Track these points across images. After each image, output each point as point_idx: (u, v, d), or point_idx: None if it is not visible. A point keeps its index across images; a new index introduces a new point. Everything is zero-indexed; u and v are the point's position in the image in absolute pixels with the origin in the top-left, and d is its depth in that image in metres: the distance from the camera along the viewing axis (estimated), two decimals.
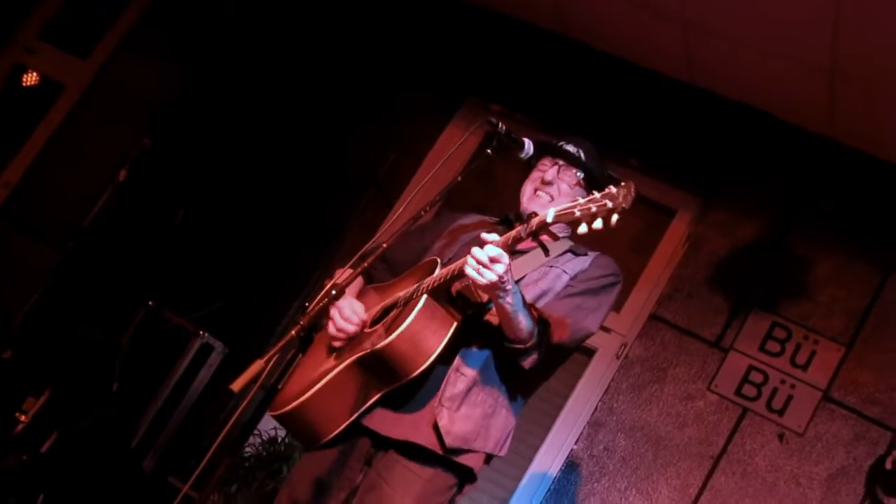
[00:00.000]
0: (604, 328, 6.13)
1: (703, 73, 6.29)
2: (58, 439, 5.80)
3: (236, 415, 3.54)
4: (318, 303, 3.21)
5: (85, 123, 7.44)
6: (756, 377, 5.76)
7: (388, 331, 3.50)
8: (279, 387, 3.39)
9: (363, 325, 3.76)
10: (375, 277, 4.10)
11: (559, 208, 3.20)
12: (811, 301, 5.86)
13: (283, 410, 3.71)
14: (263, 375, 3.06)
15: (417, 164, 6.96)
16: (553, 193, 3.92)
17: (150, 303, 6.22)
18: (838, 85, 5.61)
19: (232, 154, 7.04)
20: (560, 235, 3.90)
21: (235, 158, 7.03)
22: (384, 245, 3.47)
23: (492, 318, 3.65)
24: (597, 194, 3.14)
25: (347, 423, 3.66)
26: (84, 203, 6.75)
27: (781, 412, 5.66)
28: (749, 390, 5.74)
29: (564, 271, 3.85)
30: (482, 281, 3.30)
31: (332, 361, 3.75)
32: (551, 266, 3.86)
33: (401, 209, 3.73)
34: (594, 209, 3.11)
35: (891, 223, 5.95)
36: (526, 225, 3.28)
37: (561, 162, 3.99)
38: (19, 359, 6.26)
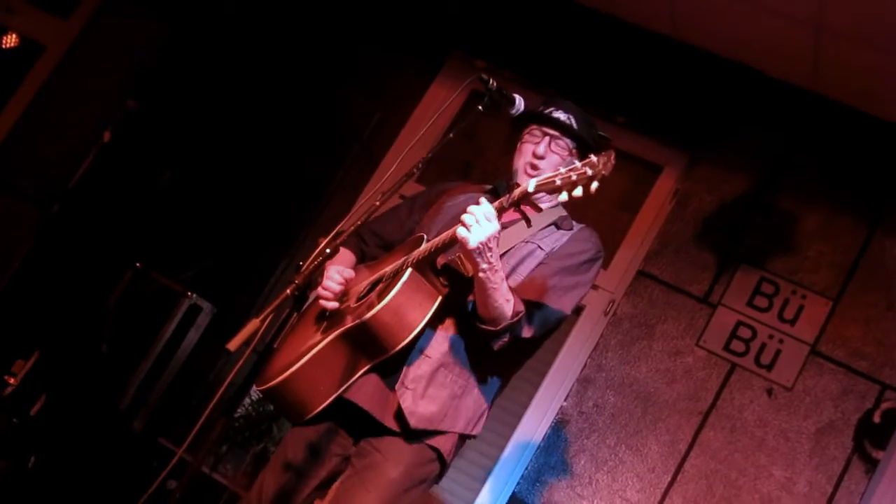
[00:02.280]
0: (592, 285, 6.14)
1: (688, 28, 6.27)
2: (47, 401, 5.80)
3: (231, 375, 3.54)
4: (312, 261, 3.20)
5: (67, 84, 7.41)
6: (744, 332, 5.78)
7: (373, 304, 3.48)
8: (274, 346, 3.37)
9: (347, 284, 3.76)
10: (367, 254, 4.08)
11: (540, 178, 3.17)
12: (798, 256, 5.88)
13: (268, 385, 3.70)
14: (259, 335, 3.05)
15: (402, 122, 6.92)
16: (546, 167, 3.83)
17: (137, 264, 6.21)
18: (824, 38, 5.60)
19: (217, 114, 7.02)
20: (545, 206, 3.91)
21: (220, 118, 7.01)
22: (377, 203, 3.44)
23: (469, 298, 3.61)
24: (577, 163, 3.10)
25: (332, 397, 3.63)
26: (68, 165, 6.72)
27: (770, 367, 5.69)
28: (737, 346, 5.76)
29: (540, 247, 3.79)
30: (471, 240, 3.26)
31: (318, 336, 3.74)
32: (527, 241, 3.79)
33: (392, 168, 3.67)
34: (574, 177, 3.08)
35: (876, 177, 5.96)
36: (508, 195, 3.25)
37: (551, 131, 3.91)
38: (6, 321, 6.24)
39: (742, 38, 6.07)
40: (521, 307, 3.53)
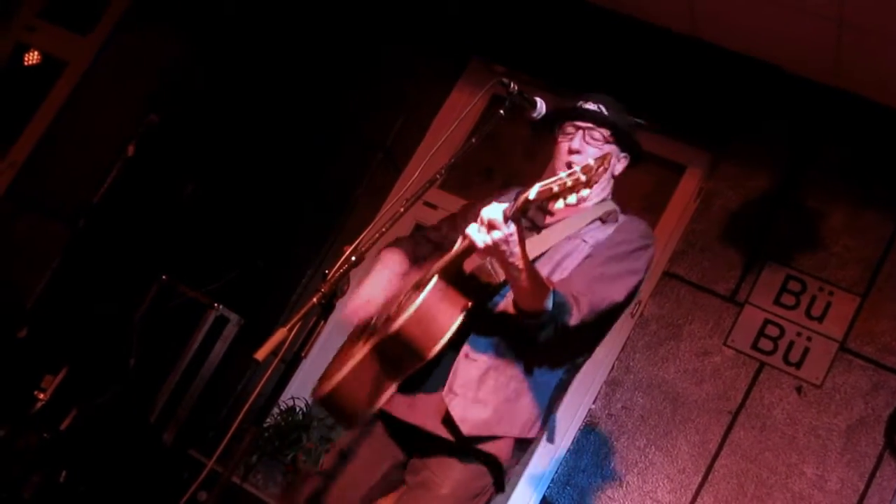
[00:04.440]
0: None
1: (707, 27, 6.25)
2: (77, 416, 5.82)
3: (260, 385, 3.54)
4: (337, 269, 3.20)
5: (89, 100, 7.47)
6: (772, 331, 5.76)
7: (398, 315, 3.46)
8: (302, 355, 3.38)
9: (371, 305, 3.76)
10: (420, 256, 4.03)
11: (542, 184, 3.11)
12: (825, 252, 5.85)
13: (319, 395, 3.71)
14: (287, 344, 3.05)
15: (425, 129, 6.94)
16: (583, 162, 3.79)
17: (163, 277, 6.23)
18: (845, 33, 5.57)
19: (239, 124, 7.03)
20: (590, 204, 3.89)
21: (242, 128, 7.03)
22: (401, 210, 3.43)
23: (506, 302, 3.58)
24: (577, 168, 3.06)
25: (370, 411, 3.64)
26: (93, 180, 6.73)
27: (798, 365, 5.66)
28: (765, 344, 5.74)
29: (584, 240, 3.76)
30: (477, 241, 3.24)
31: (359, 345, 3.72)
32: (571, 238, 3.77)
33: (415, 174, 3.68)
34: (570, 183, 3.03)
35: None
36: (513, 203, 3.19)
37: (583, 124, 3.89)
38: (35, 337, 6.28)
39: (762, 34, 6.04)
40: (562, 297, 3.47)
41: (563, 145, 3.90)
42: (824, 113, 6.12)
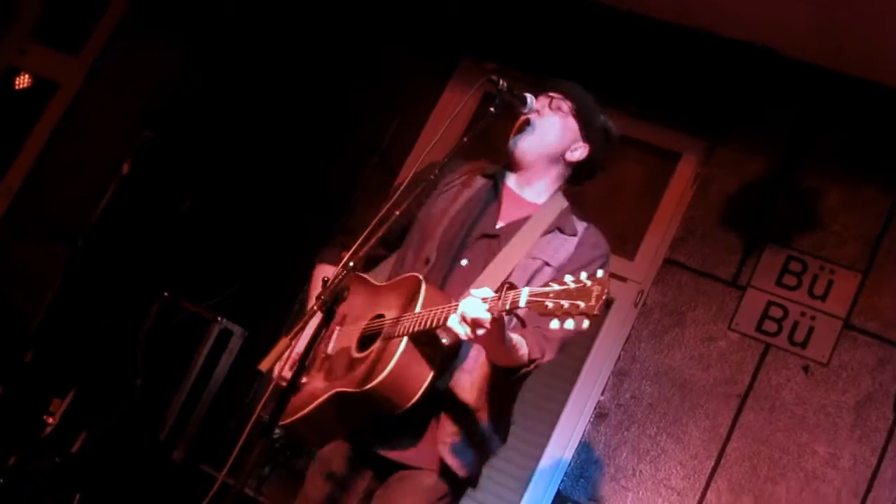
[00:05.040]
0: (619, 277, 6.14)
1: (695, 13, 6.25)
2: (87, 438, 5.83)
3: (265, 396, 3.54)
4: (337, 275, 3.20)
5: (83, 120, 7.47)
6: (776, 312, 5.76)
7: (369, 376, 3.43)
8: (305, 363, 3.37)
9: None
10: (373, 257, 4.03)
11: (534, 292, 3.00)
12: (824, 231, 5.85)
13: (285, 422, 3.70)
14: (290, 353, 3.06)
15: (418, 130, 6.94)
16: (539, 126, 3.85)
17: (165, 293, 6.22)
18: (839, 13, 5.56)
19: (233, 136, 7.02)
20: (542, 200, 3.89)
21: (239, 138, 7.02)
22: (397, 213, 3.42)
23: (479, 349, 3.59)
24: (571, 285, 2.93)
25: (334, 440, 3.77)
26: (90, 199, 6.72)
27: (804, 345, 5.66)
28: (770, 326, 5.74)
29: (546, 263, 3.72)
30: (462, 336, 3.21)
31: (321, 382, 3.72)
32: (531, 257, 3.72)
33: (409, 176, 3.66)
34: (566, 306, 2.90)
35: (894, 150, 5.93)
36: (500, 299, 3.10)
37: (552, 94, 3.90)
38: (41, 360, 6.28)
39: (754, 18, 6.03)
40: (537, 354, 3.52)
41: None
42: (819, 93, 6.11)
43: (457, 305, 3.21)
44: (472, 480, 3.77)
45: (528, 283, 3.62)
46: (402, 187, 3.60)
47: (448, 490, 3.69)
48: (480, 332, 3.15)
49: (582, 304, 2.88)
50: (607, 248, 3.85)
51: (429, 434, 3.63)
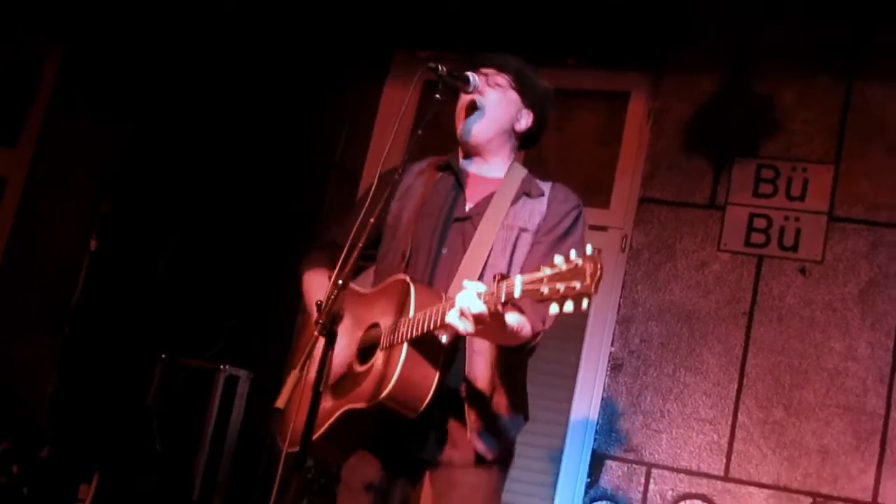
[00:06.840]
0: (600, 227, 6.14)
1: None
2: None
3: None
4: (328, 296, 3.18)
5: (39, 207, 7.39)
6: (760, 223, 5.77)
7: (377, 389, 3.41)
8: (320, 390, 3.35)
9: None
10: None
11: (527, 279, 2.96)
12: (787, 132, 5.85)
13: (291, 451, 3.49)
14: (302, 383, 3.05)
15: (369, 133, 6.91)
16: (486, 105, 3.84)
17: (162, 356, 6.20)
18: None
19: (192, 186, 6.97)
20: (500, 175, 3.90)
21: (197, 190, 6.96)
22: (372, 220, 3.40)
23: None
24: (562, 266, 2.87)
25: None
26: (67, 282, 6.71)
27: (795, 248, 5.67)
28: (757, 238, 5.75)
29: (524, 229, 3.74)
30: (462, 331, 3.21)
31: (329, 401, 3.66)
32: (506, 227, 3.74)
33: (373, 181, 3.65)
34: (562, 289, 2.84)
35: (844, 31, 5.90)
36: (494, 293, 3.08)
37: (486, 70, 3.89)
38: (58, 453, 6.25)
39: None
40: (539, 325, 3.56)
41: (465, 97, 3.89)
42: None
43: (451, 302, 3.21)
44: (506, 461, 3.78)
45: (511, 256, 3.68)
46: (370, 194, 3.56)
47: (494, 475, 3.71)
48: (481, 326, 3.15)
49: (578, 285, 2.82)
50: (578, 200, 3.86)
51: (455, 427, 3.63)
